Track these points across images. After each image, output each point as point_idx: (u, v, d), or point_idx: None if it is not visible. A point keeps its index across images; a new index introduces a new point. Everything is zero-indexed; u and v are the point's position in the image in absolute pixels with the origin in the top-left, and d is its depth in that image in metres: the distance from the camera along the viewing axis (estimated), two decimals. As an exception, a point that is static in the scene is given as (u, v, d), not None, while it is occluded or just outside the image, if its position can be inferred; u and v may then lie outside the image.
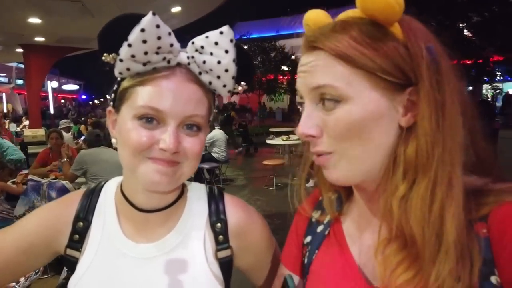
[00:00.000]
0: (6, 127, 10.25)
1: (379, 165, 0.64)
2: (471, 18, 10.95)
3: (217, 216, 0.89)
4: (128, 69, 0.72)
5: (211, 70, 0.75)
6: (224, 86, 0.77)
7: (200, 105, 0.76)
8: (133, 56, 0.70)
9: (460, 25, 11.05)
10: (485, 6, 10.62)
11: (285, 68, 19.43)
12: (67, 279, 0.87)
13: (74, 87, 42.16)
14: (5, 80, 33.37)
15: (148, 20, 0.67)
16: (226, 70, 0.75)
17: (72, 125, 8.94)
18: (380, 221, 0.67)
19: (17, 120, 13.75)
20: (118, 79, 0.78)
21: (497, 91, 19.04)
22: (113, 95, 0.81)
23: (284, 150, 11.15)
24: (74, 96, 45.26)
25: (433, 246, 0.56)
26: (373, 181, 0.66)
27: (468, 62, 11.42)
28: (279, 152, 12.15)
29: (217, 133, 8.16)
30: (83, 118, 13.15)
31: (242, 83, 0.82)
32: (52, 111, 22.62)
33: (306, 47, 0.66)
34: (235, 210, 0.91)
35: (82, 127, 9.58)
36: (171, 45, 0.72)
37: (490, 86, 18.54)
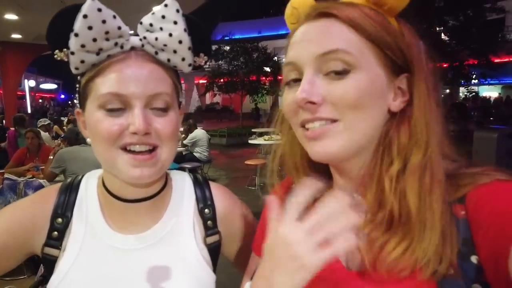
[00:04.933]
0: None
1: (370, 145, 0.66)
2: (447, 21, 11.26)
3: (204, 203, 0.90)
4: (82, 61, 0.70)
5: (165, 45, 0.74)
6: (183, 59, 0.76)
7: (162, 83, 0.75)
8: (83, 46, 0.68)
9: (437, 28, 11.33)
10: (460, 10, 10.93)
11: (267, 69, 19.50)
12: (45, 276, 0.84)
13: (53, 86, 41.22)
14: (-20, 78, 32.30)
15: (88, 5, 0.66)
16: (180, 42, 0.74)
17: (50, 123, 8.69)
18: (363, 206, 0.67)
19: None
20: (78, 78, 0.76)
21: (472, 94, 19.56)
22: (77, 95, 0.79)
23: (266, 150, 11.19)
24: (53, 96, 44.23)
25: (423, 220, 0.58)
26: (359, 162, 0.68)
27: (444, 65, 11.72)
28: (261, 152, 12.19)
29: (199, 133, 8.13)
30: (61, 118, 12.82)
31: (201, 54, 0.80)
32: (29, 111, 22.03)
33: (312, 16, 0.65)
34: (222, 197, 0.92)
35: (56, 127, 9.25)
36: (119, 28, 0.70)
37: (466, 89, 19.03)
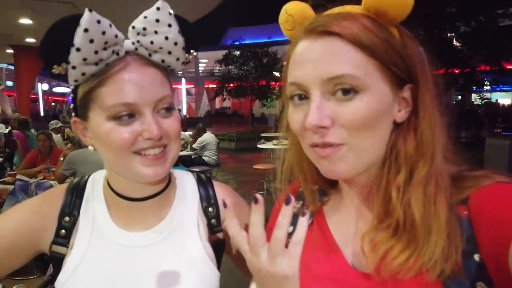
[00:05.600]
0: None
1: (379, 158, 0.66)
2: (459, 27, 11.14)
3: (208, 201, 0.91)
4: (83, 74, 0.70)
5: (160, 48, 0.75)
6: (178, 59, 0.78)
7: (164, 86, 0.77)
8: (84, 59, 0.68)
9: (449, 34, 11.22)
10: (472, 15, 10.81)
11: (277, 74, 19.52)
12: (54, 275, 0.86)
13: (65, 89, 41.78)
14: (-5, 81, 32.95)
15: (88, 19, 0.65)
16: (176, 43, 0.75)
17: (61, 125, 8.77)
18: (369, 211, 0.69)
19: (6, 122, 13.58)
20: (72, 87, 0.77)
21: (484, 101, 19.32)
22: (72, 105, 0.80)
23: (275, 155, 11.16)
24: (65, 99, 44.83)
25: (428, 227, 0.59)
26: (367, 174, 0.68)
27: (456, 71, 11.60)
28: (270, 157, 12.18)
29: (208, 137, 8.17)
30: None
31: (192, 51, 0.81)
32: (42, 113, 22.38)
33: (312, 33, 0.63)
34: (226, 195, 0.93)
35: (67, 130, 9.31)
36: (116, 36, 0.71)
37: (478, 95, 18.81)
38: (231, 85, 19.53)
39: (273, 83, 20.17)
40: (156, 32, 0.74)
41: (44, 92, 26.28)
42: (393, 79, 0.62)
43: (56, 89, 40.05)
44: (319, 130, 0.62)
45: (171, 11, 0.74)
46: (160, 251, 0.84)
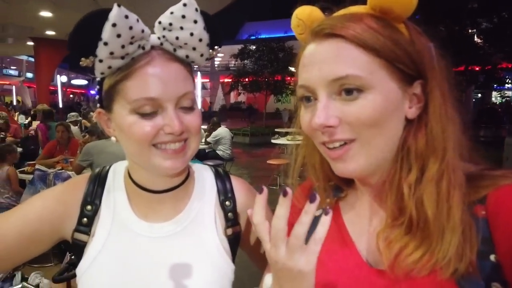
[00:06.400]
0: (15, 119, 10.34)
1: (390, 155, 0.66)
2: (481, 24, 10.86)
3: (225, 195, 0.93)
4: (109, 67, 0.72)
5: (185, 44, 0.76)
6: (202, 55, 0.79)
7: (187, 82, 0.78)
8: (111, 53, 0.69)
9: (470, 30, 10.95)
10: (495, 11, 10.52)
11: (293, 69, 19.36)
12: (70, 263, 0.89)
13: (83, 82, 42.47)
14: (15, 73, 33.74)
15: (116, 14, 0.66)
16: (200, 40, 0.76)
17: (80, 118, 8.94)
18: (383, 208, 0.70)
19: (26, 113, 13.89)
20: (98, 79, 0.79)
21: (505, 99, 18.85)
22: (97, 96, 0.82)
23: (289, 150, 11.13)
24: (83, 91, 45.58)
25: (442, 225, 0.59)
26: (380, 171, 0.69)
27: (476, 68, 11.34)
28: (284, 152, 12.16)
29: (222, 131, 8.19)
30: (91, 113, 13.17)
31: (216, 47, 0.82)
32: (60, 105, 22.81)
33: (318, 35, 0.65)
34: (242, 190, 0.95)
35: (84, 121, 9.46)
36: (142, 31, 0.72)
37: (499, 93, 18.37)
38: (246, 79, 19.48)
39: (288, 78, 20.05)
40: (181, 28, 0.75)
41: (62, 84, 26.73)
42: (401, 76, 0.63)
43: (75, 82, 40.78)
44: (326, 129, 0.64)
45: (197, 8, 0.75)
46: (177, 242, 0.85)
